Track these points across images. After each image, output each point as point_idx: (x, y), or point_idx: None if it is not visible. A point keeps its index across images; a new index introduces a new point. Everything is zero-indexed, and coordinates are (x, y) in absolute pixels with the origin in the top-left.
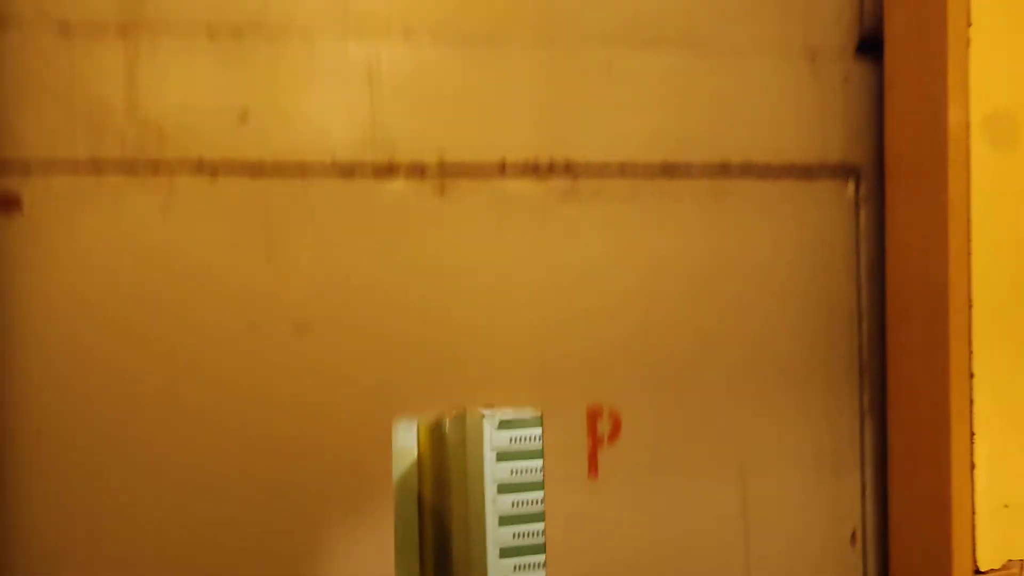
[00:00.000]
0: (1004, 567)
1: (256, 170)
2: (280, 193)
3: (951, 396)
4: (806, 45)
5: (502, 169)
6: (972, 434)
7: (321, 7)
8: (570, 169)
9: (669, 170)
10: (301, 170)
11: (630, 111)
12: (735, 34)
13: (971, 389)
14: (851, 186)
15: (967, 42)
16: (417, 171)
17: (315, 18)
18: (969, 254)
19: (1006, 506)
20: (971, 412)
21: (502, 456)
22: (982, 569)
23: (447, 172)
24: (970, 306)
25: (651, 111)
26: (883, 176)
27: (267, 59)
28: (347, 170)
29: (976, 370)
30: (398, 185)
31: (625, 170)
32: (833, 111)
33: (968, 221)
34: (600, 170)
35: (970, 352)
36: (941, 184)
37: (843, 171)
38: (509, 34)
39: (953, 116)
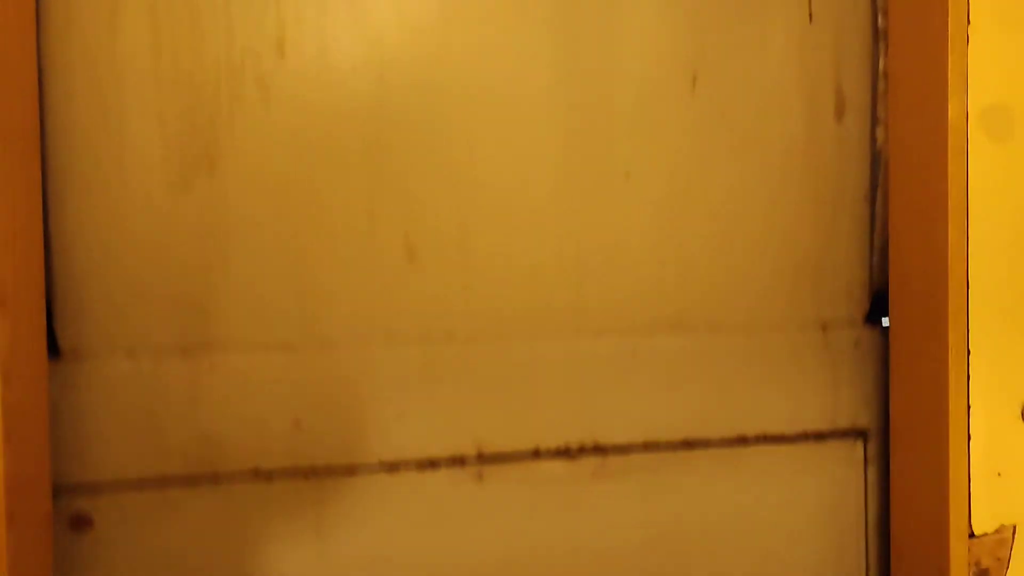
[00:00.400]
0: (997, 531)
1: (308, 472)
2: (330, 490)
3: (949, 371)
4: (818, 318)
5: (536, 454)
6: (968, 407)
7: (368, 321)
8: (599, 450)
9: (689, 445)
10: (350, 470)
11: (653, 393)
12: (751, 314)
13: (968, 364)
14: (860, 448)
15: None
16: (457, 462)
17: (363, 330)
18: (967, 239)
19: (999, 474)
20: (968, 386)
21: None
22: (976, 533)
23: (485, 461)
24: (967, 286)
25: (672, 392)
26: (889, 435)
27: (319, 369)
28: (392, 467)
29: (973, 347)
30: (439, 476)
31: (649, 447)
32: (843, 377)
33: (966, 210)
34: (626, 449)
35: (967, 330)
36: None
37: (852, 434)
38: (542, 330)
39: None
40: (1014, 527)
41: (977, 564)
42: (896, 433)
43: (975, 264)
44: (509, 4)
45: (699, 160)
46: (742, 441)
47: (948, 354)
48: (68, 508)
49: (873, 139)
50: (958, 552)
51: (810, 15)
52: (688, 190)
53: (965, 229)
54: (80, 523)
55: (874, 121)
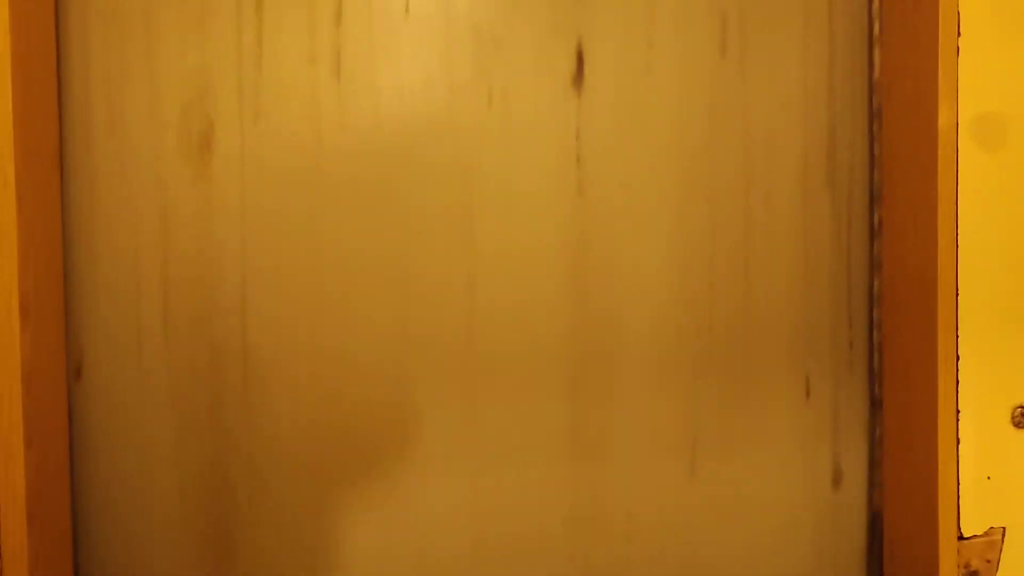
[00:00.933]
0: (986, 533)
1: None
2: None
3: (939, 376)
4: None
5: None
6: (958, 412)
7: None
8: None
9: None
10: None
11: None
12: None
13: (957, 370)
14: None
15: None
16: None
17: None
18: (956, 246)
19: (988, 478)
20: (957, 391)
21: None
22: (966, 535)
23: None
24: (957, 294)
25: None
26: None
27: None
28: None
29: (962, 353)
30: None
31: None
32: None
33: (956, 217)
34: None
35: (956, 337)
36: None
37: None
38: None
39: None
40: (1003, 529)
41: (967, 566)
42: (888, 441)
43: (965, 272)
44: (525, 410)
45: (699, 537)
46: None
47: (937, 361)
48: None
49: (871, 502)
50: (948, 553)
51: (807, 391)
52: (690, 556)
53: (955, 238)
54: None
55: (871, 486)
